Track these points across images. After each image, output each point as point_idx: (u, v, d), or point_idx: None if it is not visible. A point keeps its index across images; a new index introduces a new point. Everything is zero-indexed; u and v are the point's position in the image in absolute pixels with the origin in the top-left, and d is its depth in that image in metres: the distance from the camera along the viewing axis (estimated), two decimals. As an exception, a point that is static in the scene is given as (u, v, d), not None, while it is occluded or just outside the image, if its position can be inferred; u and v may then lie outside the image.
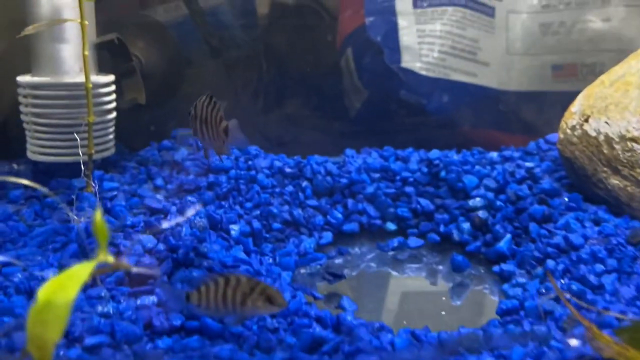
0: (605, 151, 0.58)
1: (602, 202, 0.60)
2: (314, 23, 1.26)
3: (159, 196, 0.62)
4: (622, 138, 0.57)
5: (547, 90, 1.03)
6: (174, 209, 0.58)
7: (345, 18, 1.09)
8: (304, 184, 0.68)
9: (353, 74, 1.08)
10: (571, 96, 1.01)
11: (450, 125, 1.02)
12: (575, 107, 0.63)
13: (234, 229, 0.57)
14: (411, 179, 0.69)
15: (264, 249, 0.59)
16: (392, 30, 1.00)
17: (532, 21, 1.00)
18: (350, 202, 0.68)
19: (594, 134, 0.59)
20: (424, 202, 0.67)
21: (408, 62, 0.99)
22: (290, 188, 0.67)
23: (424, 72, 1.00)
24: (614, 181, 0.58)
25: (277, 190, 0.66)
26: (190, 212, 0.56)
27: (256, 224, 0.59)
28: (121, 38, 0.66)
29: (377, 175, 0.71)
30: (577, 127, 0.62)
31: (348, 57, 1.10)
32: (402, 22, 1.01)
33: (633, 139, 0.56)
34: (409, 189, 0.68)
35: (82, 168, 0.58)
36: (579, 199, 0.60)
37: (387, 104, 1.01)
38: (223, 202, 0.61)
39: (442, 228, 0.65)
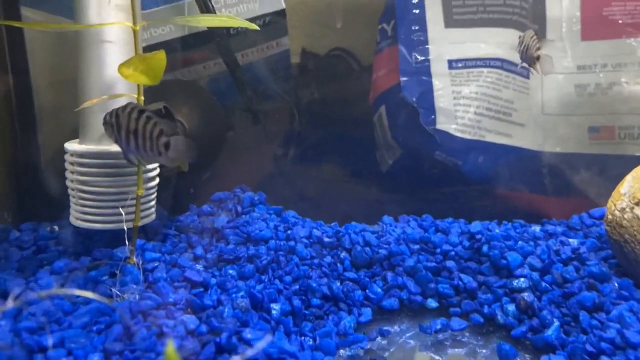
0: (658, 238, 0.56)
1: (655, 290, 0.58)
2: (346, 75, 1.28)
3: (199, 266, 0.62)
4: (678, 226, 0.55)
5: (584, 152, 1.02)
6: (214, 281, 0.58)
7: (380, 76, 1.11)
8: (343, 255, 0.67)
9: (387, 132, 1.08)
10: (609, 159, 0.99)
11: (485, 186, 1.01)
12: (625, 188, 0.62)
13: (275, 308, 0.56)
14: (452, 253, 0.68)
15: (303, 329, 0.57)
16: (428, 92, 1.01)
17: (568, 82, 1.00)
18: (390, 275, 0.67)
19: (646, 219, 0.58)
20: (466, 279, 0.66)
21: (443, 123, 1.00)
22: (329, 259, 0.66)
23: (459, 134, 1.00)
24: (669, 270, 0.56)
25: (316, 262, 0.65)
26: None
27: (296, 301, 0.58)
28: (167, 107, 0.68)
29: (416, 247, 0.70)
30: (628, 210, 0.60)
31: (382, 114, 1.11)
32: (437, 83, 1.02)
33: (689, 228, 0.54)
34: (450, 264, 0.67)
35: (126, 238, 0.58)
36: (630, 286, 0.58)
37: (422, 166, 1.01)
38: (263, 277, 0.60)
39: (486, 309, 0.63)
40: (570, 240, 0.68)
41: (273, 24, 1.00)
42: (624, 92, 0.99)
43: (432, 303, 0.65)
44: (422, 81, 1.00)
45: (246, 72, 1.10)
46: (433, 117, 0.99)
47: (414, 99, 0.99)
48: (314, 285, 0.62)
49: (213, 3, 0.98)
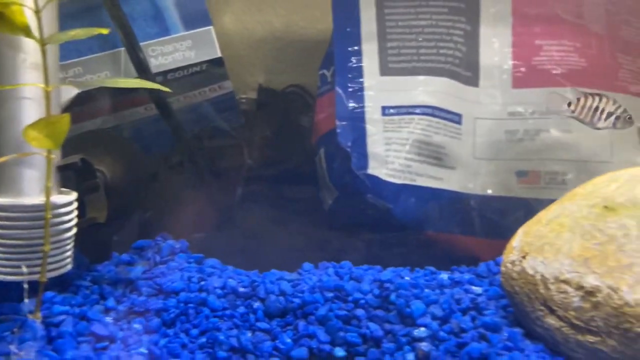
0: (541, 290, 0.60)
1: (541, 339, 0.61)
2: (301, 112, 1.32)
3: (108, 319, 0.63)
4: (557, 279, 0.59)
5: (513, 195, 1.06)
6: (120, 334, 0.59)
7: (320, 119, 1.15)
8: (256, 304, 0.69)
9: (325, 174, 1.12)
10: (535, 203, 1.03)
11: (415, 229, 1.04)
12: (516, 242, 0.66)
13: (175, 363, 0.57)
14: (363, 301, 0.70)
15: (205, 383, 0.59)
16: (361, 137, 1.05)
17: (499, 127, 1.05)
18: (301, 324, 0.68)
19: (531, 272, 0.61)
20: (373, 327, 0.68)
21: (375, 168, 1.04)
22: (242, 309, 0.68)
23: (389, 179, 1.04)
24: (551, 321, 0.59)
25: (228, 312, 0.67)
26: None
27: (200, 355, 0.60)
28: (86, 158, 0.70)
29: (330, 294, 0.72)
30: (517, 262, 0.64)
31: (321, 156, 1.14)
32: (370, 129, 1.06)
33: (566, 282, 0.58)
34: (359, 312, 0.69)
35: (31, 292, 0.59)
36: (517, 337, 0.61)
37: (357, 210, 1.04)
38: (169, 330, 0.62)
39: (387, 358, 0.65)
40: (474, 287, 0.71)
41: (210, 69, 1.04)
42: (549, 138, 1.05)
43: (340, 352, 0.67)
44: (356, 126, 1.05)
45: (192, 112, 1.13)
46: (365, 161, 1.03)
47: (349, 144, 1.03)
48: (221, 337, 0.63)
49: (150, 51, 1.01)
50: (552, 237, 0.61)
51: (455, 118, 1.06)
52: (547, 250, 0.60)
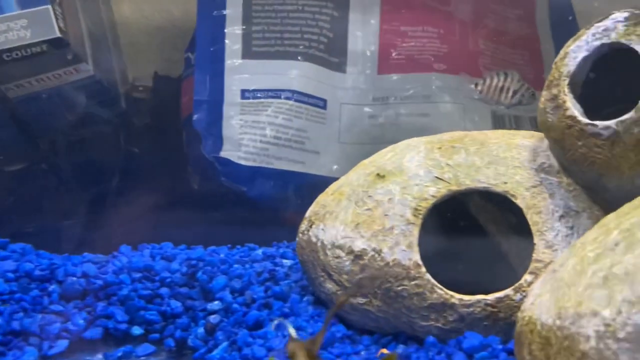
0: (321, 257, 0.61)
1: (325, 305, 0.62)
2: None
3: None
4: (333, 245, 0.60)
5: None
6: None
7: (184, 102, 1.13)
8: (52, 287, 0.66)
9: (187, 156, 1.09)
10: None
11: (272, 211, 1.04)
12: (308, 212, 0.66)
13: None
14: (168, 280, 0.69)
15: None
16: (217, 120, 1.03)
17: (363, 112, 1.06)
18: (100, 305, 0.67)
19: (314, 239, 0.62)
20: (174, 304, 0.67)
21: (228, 151, 1.02)
22: (35, 292, 0.65)
23: (242, 162, 1.03)
24: (329, 285, 0.60)
25: (17, 296, 0.64)
26: None
27: (-34, 339, 0.57)
28: None
29: (138, 275, 0.70)
30: (305, 232, 0.64)
31: (183, 140, 1.12)
32: (227, 112, 1.05)
33: (339, 247, 0.59)
34: (163, 291, 0.68)
35: None
36: (296, 303, 0.61)
37: (213, 191, 1.03)
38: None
39: (178, 333, 0.64)
40: (285, 260, 0.71)
41: (52, 50, 0.99)
42: (405, 122, 1.07)
43: (137, 330, 0.65)
44: (213, 110, 1.03)
45: (51, 97, 1.07)
46: (221, 144, 1.02)
47: (203, 127, 1.01)
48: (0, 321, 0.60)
49: (-21, 31, 0.95)
50: (333, 206, 0.62)
51: (319, 103, 1.07)
52: (327, 218, 0.61)
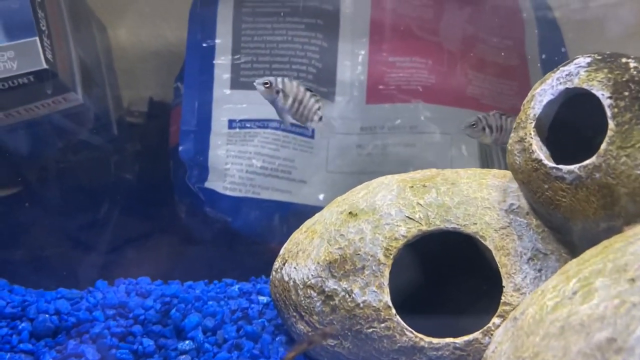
0: (293, 297, 0.60)
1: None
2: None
3: None
4: (305, 285, 0.59)
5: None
6: None
7: (172, 131, 1.13)
8: (22, 325, 0.65)
9: (173, 186, 1.09)
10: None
11: (257, 242, 1.03)
12: (282, 249, 0.66)
13: None
14: (142, 317, 0.68)
15: None
16: (204, 150, 1.03)
17: (351, 142, 1.06)
18: (71, 343, 0.66)
19: (286, 278, 0.61)
20: (146, 342, 0.66)
21: (213, 181, 1.02)
22: (4, 331, 0.64)
23: (227, 192, 1.02)
24: (300, 326, 0.59)
25: (-16, 335, 0.63)
26: None
27: None
28: None
29: (112, 312, 0.69)
30: (278, 270, 0.63)
31: (170, 168, 1.12)
32: (214, 142, 1.05)
33: (311, 287, 0.58)
34: (136, 328, 0.67)
35: None
36: (266, 344, 0.60)
37: (200, 222, 1.02)
38: None
39: (149, 373, 0.63)
40: (261, 297, 0.70)
41: (39, 81, 1.00)
42: (392, 152, 1.07)
43: (107, 369, 0.64)
44: (200, 140, 1.03)
45: (39, 125, 1.08)
46: (206, 174, 1.02)
47: (189, 157, 1.02)
48: (-35, 361, 0.59)
49: (-31, 64, 0.97)
50: (306, 244, 0.61)
51: (307, 132, 1.07)
52: (300, 256, 0.61)
